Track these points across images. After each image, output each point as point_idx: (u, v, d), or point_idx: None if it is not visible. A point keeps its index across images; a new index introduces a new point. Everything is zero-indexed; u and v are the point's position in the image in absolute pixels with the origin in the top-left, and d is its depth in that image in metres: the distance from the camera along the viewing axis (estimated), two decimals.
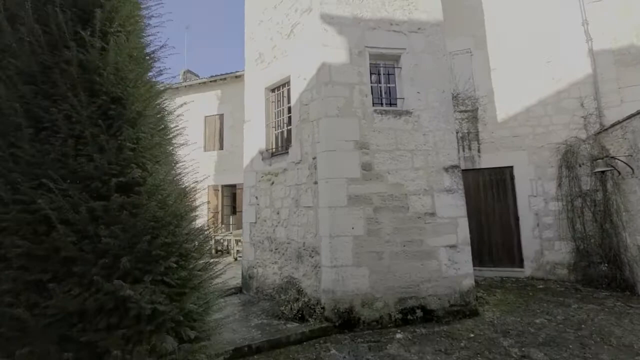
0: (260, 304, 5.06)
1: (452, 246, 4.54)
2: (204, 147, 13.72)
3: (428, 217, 4.54)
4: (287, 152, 5.16)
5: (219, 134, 13.39)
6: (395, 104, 4.94)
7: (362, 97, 4.61)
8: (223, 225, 12.30)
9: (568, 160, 6.39)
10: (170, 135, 2.43)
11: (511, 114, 6.77)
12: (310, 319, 4.23)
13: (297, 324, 4.21)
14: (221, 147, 13.11)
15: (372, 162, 4.51)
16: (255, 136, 5.90)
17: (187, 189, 2.35)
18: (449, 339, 3.86)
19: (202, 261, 2.29)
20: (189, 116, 13.46)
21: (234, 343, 3.72)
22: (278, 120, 5.71)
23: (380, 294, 4.28)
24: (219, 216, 13.41)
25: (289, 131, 5.30)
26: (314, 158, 4.63)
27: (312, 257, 4.57)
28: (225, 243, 10.47)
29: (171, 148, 2.47)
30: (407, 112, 4.74)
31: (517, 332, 3.95)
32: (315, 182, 4.57)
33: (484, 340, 3.78)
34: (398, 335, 3.98)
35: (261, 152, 5.71)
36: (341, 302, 4.19)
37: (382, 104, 4.94)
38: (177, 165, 2.44)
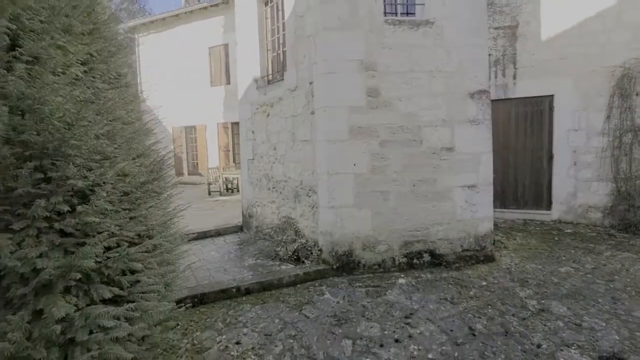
0: (258, 244, 4.83)
1: (471, 186, 3.93)
2: (211, 82, 12.91)
3: (445, 152, 3.87)
4: (283, 79, 4.43)
5: (224, 67, 12.45)
6: (413, 13, 3.96)
7: (369, 3, 3.67)
8: (234, 164, 12.08)
9: (623, 87, 5.29)
10: None
11: (559, 30, 5.52)
12: (306, 261, 3.94)
13: (292, 266, 3.94)
14: (228, 82, 12.27)
15: (380, 86, 3.74)
16: (249, 62, 5.13)
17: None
18: (457, 286, 3.48)
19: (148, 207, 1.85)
20: (193, 48, 12.64)
21: (222, 284, 3.51)
22: (273, 41, 4.86)
23: (384, 237, 3.86)
24: (230, 154, 13.17)
25: (285, 53, 4.50)
26: (311, 83, 3.91)
27: (310, 196, 4.13)
28: (236, 181, 10.30)
29: None
30: (427, 23, 3.79)
31: (537, 282, 3.50)
32: (313, 112, 3.92)
33: (497, 289, 3.37)
34: (401, 280, 3.65)
35: (256, 80, 5.00)
36: (340, 244, 3.82)
37: (395, 12, 3.98)
38: None
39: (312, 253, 3.99)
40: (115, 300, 1.51)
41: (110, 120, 1.83)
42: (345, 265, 3.83)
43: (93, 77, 1.80)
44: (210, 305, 3.34)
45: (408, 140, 3.82)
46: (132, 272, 1.62)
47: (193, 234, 5.26)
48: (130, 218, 1.68)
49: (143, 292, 1.62)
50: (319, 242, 3.97)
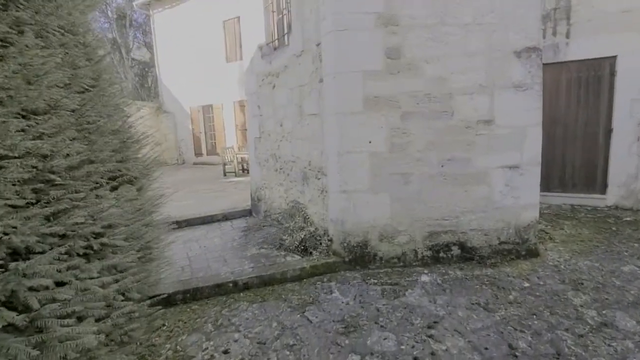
0: (264, 230, 4.42)
1: (514, 167, 3.25)
2: (226, 58, 12.39)
3: (482, 126, 3.19)
4: (288, 43, 3.83)
5: (239, 42, 11.85)
6: None
7: None
8: None
9: None
10: None
11: None
12: (314, 252, 3.48)
13: (299, 257, 3.49)
14: (241, 58, 11.72)
15: (403, 45, 3.07)
16: (254, 28, 4.54)
17: None
18: (492, 287, 2.89)
19: None
20: (207, 22, 12.02)
21: (218, 278, 3.13)
22: (279, 0, 4.22)
23: (405, 227, 3.30)
24: (248, 134, 12.79)
25: (290, 13, 3.87)
26: (318, 45, 3.29)
27: (319, 179, 3.60)
28: None
29: None
30: None
31: (594, 285, 2.85)
32: (321, 80, 3.32)
33: (543, 294, 2.76)
34: (424, 278, 3.11)
35: (260, 48, 4.43)
36: (352, 234, 3.31)
37: None
38: None
39: (321, 243, 3.51)
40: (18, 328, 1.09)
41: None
42: (359, 258, 3.33)
43: None
44: (203, 301, 2.97)
45: (436, 112, 3.16)
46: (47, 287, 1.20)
47: (198, 218, 4.94)
48: (48, 216, 1.24)
49: (61, 317, 1.20)
50: (329, 231, 3.48)
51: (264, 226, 4.59)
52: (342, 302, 2.79)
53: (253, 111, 4.85)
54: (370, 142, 3.19)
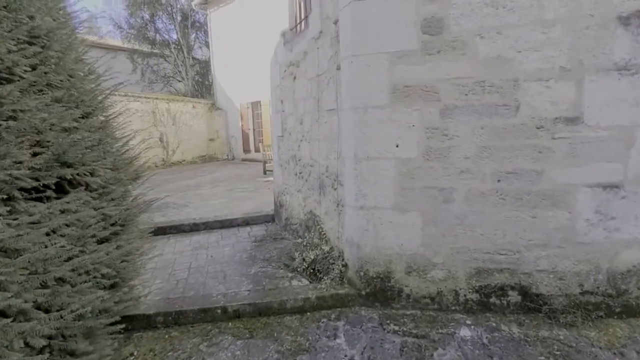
0: (279, 242, 3.89)
1: (611, 186, 2.24)
2: None
3: (562, 126, 2.24)
4: (308, 26, 3.22)
5: None
6: None
7: None
8: None
9: None
10: None
11: None
12: (325, 278, 2.84)
13: (307, 283, 2.88)
14: None
15: (446, 15, 2.26)
16: (277, 12, 4.01)
17: None
18: None
19: None
20: (259, 17, 11.87)
21: (207, 300, 2.66)
22: None
23: (442, 259, 2.50)
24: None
25: None
26: (336, 22, 2.62)
27: (335, 189, 2.95)
28: None
29: None
30: None
31: None
32: (339, 67, 2.66)
33: None
34: (464, 332, 2.29)
35: (283, 34, 3.89)
36: (371, 262, 2.60)
37: None
38: None
39: (334, 268, 2.86)
40: None
41: None
42: (379, 292, 2.61)
43: None
44: (185, 327, 2.54)
45: (492, 106, 2.29)
46: None
47: (218, 221, 4.61)
48: None
49: None
50: (345, 254, 2.81)
51: (281, 237, 4.06)
52: (345, 357, 2.12)
53: (276, 106, 4.35)
54: (397, 146, 2.44)
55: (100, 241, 2.15)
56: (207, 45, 17.53)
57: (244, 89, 13.32)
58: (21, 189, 1.64)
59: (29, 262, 1.38)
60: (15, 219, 1.48)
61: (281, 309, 2.63)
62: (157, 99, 11.97)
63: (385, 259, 2.59)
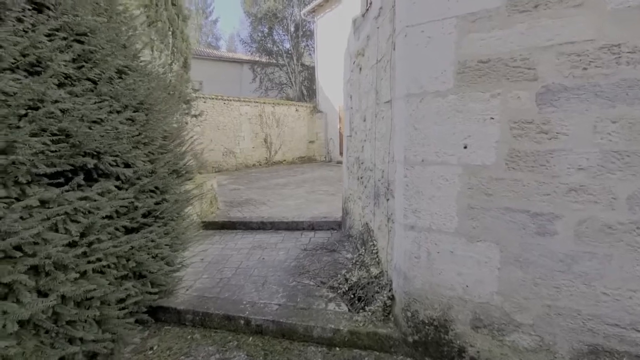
0: (333, 254, 3.46)
1: None
2: None
3: None
4: (371, 5, 2.70)
5: None
6: None
7: None
8: None
9: None
10: None
11: None
12: (367, 309, 2.29)
13: (344, 309, 2.39)
14: None
15: None
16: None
17: None
18: None
19: None
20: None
21: (235, 307, 2.47)
22: None
23: (531, 319, 1.67)
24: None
25: None
26: None
27: (387, 199, 2.36)
28: None
29: None
30: None
31: None
32: (395, 48, 2.08)
33: None
34: None
35: (354, 21, 3.46)
36: (422, 301, 1.95)
37: None
38: None
39: (377, 298, 2.29)
40: None
41: None
42: (432, 345, 1.94)
43: None
44: (209, 331, 2.40)
45: (633, 85, 1.38)
46: None
47: (284, 223, 4.50)
48: None
49: None
50: (393, 283, 2.21)
51: (337, 248, 3.63)
52: None
53: (346, 103, 3.94)
54: (465, 147, 1.74)
55: (128, 231, 2.17)
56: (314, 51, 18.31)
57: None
58: (44, 175, 1.71)
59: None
60: (24, 205, 1.51)
61: (306, 335, 2.23)
62: (264, 103, 13.01)
63: (441, 301, 1.90)
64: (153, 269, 2.25)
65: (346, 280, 2.59)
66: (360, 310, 2.32)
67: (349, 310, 2.38)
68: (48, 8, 1.74)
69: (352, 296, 2.46)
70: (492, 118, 1.66)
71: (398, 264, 2.10)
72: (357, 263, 2.77)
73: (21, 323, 1.53)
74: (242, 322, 2.37)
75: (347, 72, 3.84)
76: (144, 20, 6.27)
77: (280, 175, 10.11)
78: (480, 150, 1.71)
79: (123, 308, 2.11)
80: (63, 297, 1.68)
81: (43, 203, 1.63)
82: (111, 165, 1.99)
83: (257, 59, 19.05)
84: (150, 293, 2.31)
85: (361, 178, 3.26)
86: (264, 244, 3.97)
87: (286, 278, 2.97)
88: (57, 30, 1.74)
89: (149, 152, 2.28)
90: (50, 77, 1.66)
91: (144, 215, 2.28)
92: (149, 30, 6.17)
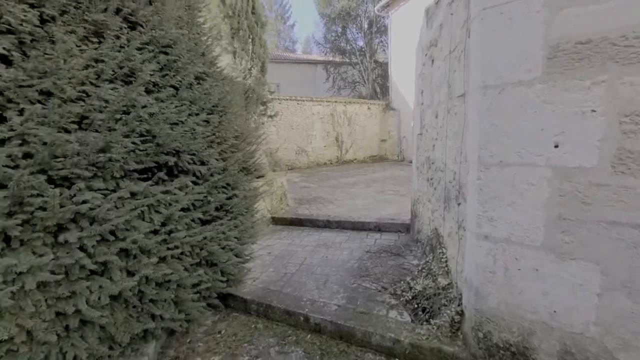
0: (398, 258, 3.28)
1: None
2: None
3: None
4: None
5: None
6: None
7: None
8: None
9: None
10: None
11: None
12: (432, 322, 2.11)
13: (408, 320, 2.24)
14: None
15: None
16: None
17: None
18: None
19: None
20: None
21: (296, 303, 2.52)
22: None
23: None
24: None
25: None
26: None
27: (459, 204, 2.13)
28: None
29: None
30: None
31: None
32: (469, 35, 1.86)
33: None
34: None
35: (427, 10, 3.21)
36: (497, 322, 1.71)
37: None
38: None
39: (445, 311, 2.09)
40: None
41: None
42: None
43: None
44: (271, 322, 2.51)
45: None
46: None
47: (350, 222, 4.48)
48: None
49: None
50: (463, 297, 2.00)
51: (404, 253, 3.44)
52: None
53: (417, 99, 3.69)
54: (556, 147, 1.46)
55: (202, 223, 2.37)
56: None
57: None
58: (134, 170, 1.96)
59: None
60: (118, 196, 1.76)
61: (364, 340, 2.15)
62: (335, 102, 13.12)
63: (521, 325, 1.64)
64: (223, 259, 2.43)
65: (410, 288, 2.43)
66: (424, 323, 2.15)
67: (411, 320, 2.23)
68: (140, 25, 1.99)
69: (415, 306, 2.29)
70: (594, 110, 1.36)
71: (469, 277, 1.88)
72: (424, 271, 2.58)
73: (114, 297, 1.79)
74: (301, 318, 2.40)
75: (419, 65, 3.61)
76: (228, 31, 6.83)
77: (350, 174, 10.09)
78: (576, 150, 1.42)
79: (196, 292, 2.32)
80: (146, 278, 1.91)
81: (132, 195, 1.87)
82: (188, 163, 2.20)
83: (331, 58, 19.33)
84: (220, 281, 2.49)
85: (431, 179, 3.03)
86: (329, 243, 3.99)
87: (348, 279, 2.93)
88: (146, 44, 1.98)
89: (221, 150, 2.46)
90: (140, 85, 1.89)
91: (216, 209, 2.46)
92: (231, 40, 6.71)
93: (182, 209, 2.15)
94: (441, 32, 2.56)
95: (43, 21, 1.61)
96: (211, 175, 2.39)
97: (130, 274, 1.83)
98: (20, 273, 1.36)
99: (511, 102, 1.55)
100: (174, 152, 2.11)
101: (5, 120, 1.43)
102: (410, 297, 2.37)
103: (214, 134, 2.41)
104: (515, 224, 1.61)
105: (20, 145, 1.44)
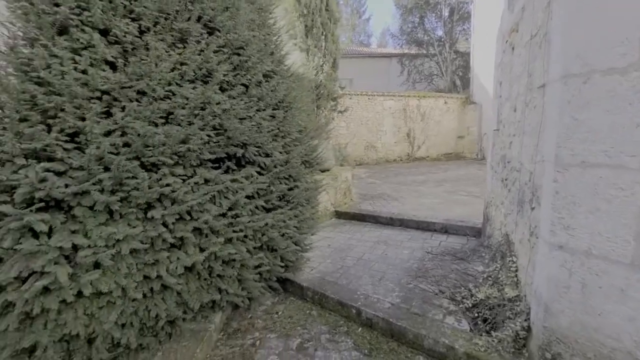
0: (463, 263, 3.05)
1: None
2: None
3: None
4: None
5: None
6: None
7: None
8: None
9: None
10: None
11: None
12: (494, 334, 1.95)
13: (466, 328, 2.10)
14: None
15: None
16: None
17: None
18: None
19: None
20: None
21: (350, 296, 2.57)
22: None
23: None
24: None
25: None
26: None
27: (533, 208, 1.90)
28: None
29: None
30: None
31: None
32: (551, 17, 1.62)
33: None
34: None
35: None
36: (569, 344, 1.51)
37: None
38: None
39: (509, 325, 1.90)
40: None
41: None
42: None
43: None
44: (325, 311, 2.61)
45: None
46: None
47: (414, 221, 4.36)
48: None
49: None
50: (532, 310, 1.80)
51: (470, 257, 3.20)
52: None
53: (495, 90, 3.35)
54: None
55: (265, 211, 2.55)
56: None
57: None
58: (208, 160, 2.21)
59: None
60: (194, 181, 2.02)
61: (415, 343, 2.09)
62: (408, 96, 12.61)
63: (599, 352, 1.42)
64: (282, 246, 2.59)
65: (471, 295, 2.27)
66: (484, 334, 1.99)
67: (470, 330, 2.09)
68: (218, 30, 2.22)
69: (476, 315, 2.14)
70: None
71: (538, 290, 1.68)
72: (489, 279, 2.37)
73: (188, 269, 2.06)
74: (353, 311, 2.44)
75: (499, 54, 3.28)
76: (302, 29, 7.07)
77: (420, 172, 9.66)
78: None
79: (258, 273, 2.52)
80: (215, 255, 2.15)
81: (206, 181, 2.12)
82: (254, 155, 2.39)
83: (406, 51, 18.58)
84: (280, 266, 2.66)
85: (505, 180, 2.75)
86: (389, 240, 3.92)
87: (404, 278, 2.85)
88: (222, 46, 2.20)
89: (284, 144, 2.61)
90: (215, 84, 2.11)
91: (278, 199, 2.63)
92: (304, 37, 6.94)
93: (247, 197, 2.35)
94: (523, 15, 2.29)
95: (141, 32, 1.92)
96: (274, 166, 2.55)
97: (202, 250, 2.08)
98: (118, 240, 1.67)
99: (599, 92, 1.33)
100: (242, 144, 2.31)
101: (111, 116, 1.75)
102: (470, 305, 2.21)
103: (278, 128, 2.57)
104: (598, 235, 1.39)
105: (121, 135, 1.75)
